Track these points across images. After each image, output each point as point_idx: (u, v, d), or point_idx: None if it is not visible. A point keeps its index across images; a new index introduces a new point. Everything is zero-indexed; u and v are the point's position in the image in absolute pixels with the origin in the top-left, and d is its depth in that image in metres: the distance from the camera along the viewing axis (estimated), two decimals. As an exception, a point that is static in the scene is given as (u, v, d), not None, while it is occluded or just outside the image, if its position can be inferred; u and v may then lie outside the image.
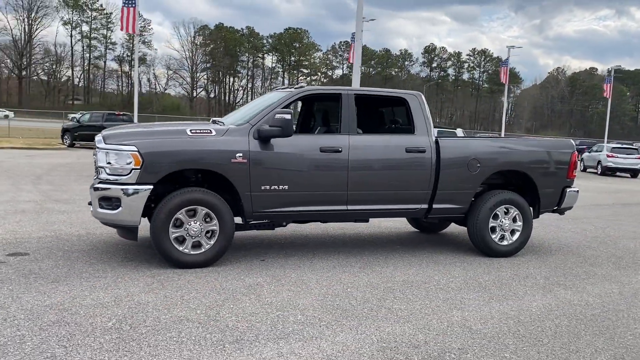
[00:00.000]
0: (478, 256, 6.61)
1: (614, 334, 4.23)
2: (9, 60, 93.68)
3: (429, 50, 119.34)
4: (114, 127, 5.99)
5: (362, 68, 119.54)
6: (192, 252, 5.43)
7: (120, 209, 5.25)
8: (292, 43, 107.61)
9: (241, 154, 5.50)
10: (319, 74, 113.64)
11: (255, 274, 5.33)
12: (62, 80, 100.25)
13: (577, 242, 7.97)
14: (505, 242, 6.61)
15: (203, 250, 5.47)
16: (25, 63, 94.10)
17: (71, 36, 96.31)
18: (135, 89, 30.23)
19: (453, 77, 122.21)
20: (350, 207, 6.01)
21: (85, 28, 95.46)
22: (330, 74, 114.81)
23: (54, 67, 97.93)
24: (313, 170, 5.81)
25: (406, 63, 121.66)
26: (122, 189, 5.23)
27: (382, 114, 7.15)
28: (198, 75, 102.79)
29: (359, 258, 6.23)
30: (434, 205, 6.33)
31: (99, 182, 5.35)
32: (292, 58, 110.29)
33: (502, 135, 42.85)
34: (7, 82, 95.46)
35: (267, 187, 5.64)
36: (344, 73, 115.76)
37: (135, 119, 25.94)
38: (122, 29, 28.11)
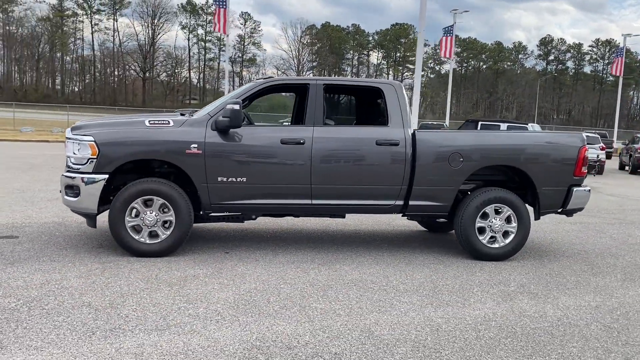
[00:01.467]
0: (467, 259, 6.08)
1: (533, 352, 3.68)
2: (135, 64, 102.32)
3: (546, 42, 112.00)
4: (88, 119, 6.26)
5: (473, 62, 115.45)
6: (148, 242, 5.54)
7: (80, 196, 5.48)
8: (398, 39, 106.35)
9: (196, 145, 5.50)
10: (426, 69, 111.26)
11: (202, 266, 5.32)
12: (181, 81, 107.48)
13: (593, 249, 7.05)
14: (496, 245, 6.01)
15: (159, 240, 5.56)
16: (148, 66, 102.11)
17: (188, 39, 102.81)
18: (226, 83, 31.50)
19: (573, 71, 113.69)
20: (315, 202, 5.79)
21: (200, 31, 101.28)
22: (437, 69, 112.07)
23: (174, 68, 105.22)
24: (273, 163, 5.68)
25: (520, 56, 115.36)
26: (81, 178, 5.46)
27: (355, 105, 6.81)
28: (304, 74, 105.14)
29: (327, 255, 5.99)
30: (411, 202, 5.92)
31: (66, 171, 5.63)
32: (398, 54, 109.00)
33: (614, 132, 39.21)
34: (133, 83, 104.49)
35: (224, 179, 5.59)
36: (454, 68, 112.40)
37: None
38: (213, 29, 29.56)
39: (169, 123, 5.60)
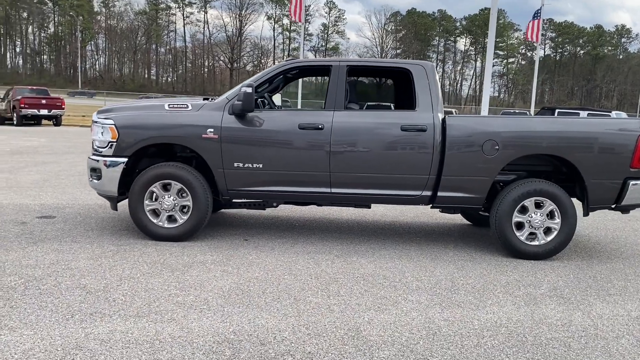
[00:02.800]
0: (503, 257, 5.56)
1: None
2: (224, 55, 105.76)
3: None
4: (116, 103, 6.33)
5: (568, 47, 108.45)
6: (166, 226, 5.52)
7: (102, 179, 5.56)
8: (487, 24, 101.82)
9: (212, 129, 5.39)
10: (517, 55, 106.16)
11: (213, 252, 5.22)
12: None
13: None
14: (535, 242, 5.44)
15: (177, 224, 5.52)
16: (235, 56, 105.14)
17: (274, 29, 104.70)
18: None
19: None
20: (334, 190, 5.51)
21: (285, 21, 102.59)
22: (530, 55, 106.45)
23: (259, 59, 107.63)
24: (290, 149, 5.45)
25: (623, 40, 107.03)
26: (103, 161, 5.52)
27: (380, 87, 6.39)
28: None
29: (347, 246, 5.69)
30: (440, 193, 5.47)
31: (92, 154, 5.72)
32: (486, 40, 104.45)
33: None
34: (222, 73, 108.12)
35: (240, 164, 5.45)
36: (545, 54, 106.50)
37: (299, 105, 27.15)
38: (290, 18, 29.60)
39: (187, 107, 5.53)
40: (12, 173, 9.79)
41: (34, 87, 27.11)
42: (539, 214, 5.40)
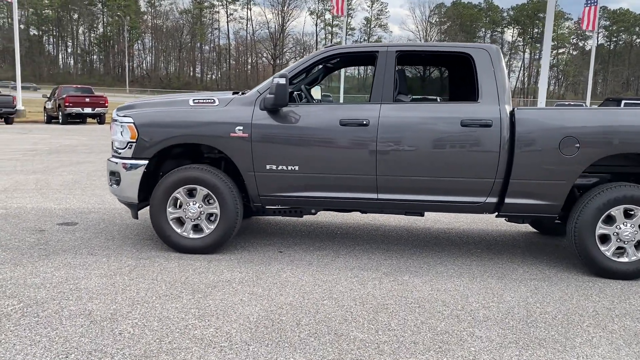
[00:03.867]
0: (584, 275, 4.68)
1: None
2: (267, 52, 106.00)
3: None
4: (139, 99, 5.73)
5: (624, 36, 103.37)
6: (191, 236, 4.90)
7: (121, 184, 4.98)
8: (536, 14, 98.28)
9: (241, 127, 4.72)
10: (568, 45, 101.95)
11: (243, 268, 4.55)
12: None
13: None
14: (625, 259, 4.53)
15: (203, 235, 4.89)
16: (278, 52, 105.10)
17: (316, 25, 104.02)
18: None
19: None
20: (382, 196, 4.75)
21: (327, 16, 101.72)
22: (581, 45, 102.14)
23: (302, 54, 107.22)
24: (330, 148, 4.72)
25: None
26: (122, 164, 4.94)
27: (437, 76, 5.55)
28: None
29: (398, 261, 4.92)
30: (507, 200, 4.63)
31: (112, 156, 5.15)
32: (535, 30, 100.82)
33: None
34: (264, 70, 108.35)
35: (274, 167, 4.76)
36: (599, 44, 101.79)
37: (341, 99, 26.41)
38: (333, 12, 28.99)
39: (214, 102, 4.87)
40: (45, 174, 9.44)
41: (79, 86, 27.35)
42: (629, 225, 4.49)
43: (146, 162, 4.86)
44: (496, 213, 4.83)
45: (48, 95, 26.54)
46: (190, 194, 4.89)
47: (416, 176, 4.66)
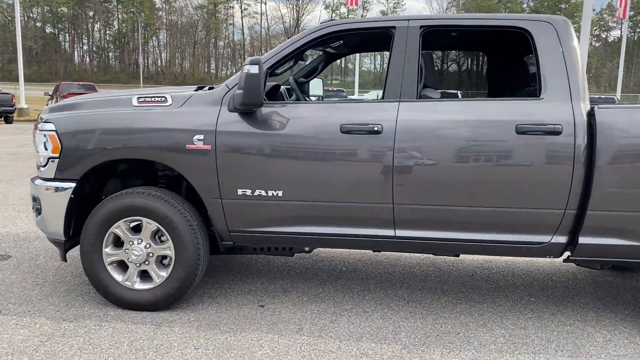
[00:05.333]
0: (691, 345, 3.23)
1: None
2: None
3: None
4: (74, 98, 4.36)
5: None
6: (137, 287, 3.56)
7: (42, 214, 3.65)
8: (557, 4, 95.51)
9: (201, 136, 3.35)
10: (590, 37, 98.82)
11: (202, 340, 3.18)
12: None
13: None
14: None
15: (152, 285, 3.54)
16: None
17: (331, 19, 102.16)
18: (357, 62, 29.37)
19: None
20: (401, 233, 3.34)
21: (343, 10, 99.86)
22: (604, 36, 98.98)
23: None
24: (327, 166, 3.32)
25: None
26: (43, 186, 3.61)
27: (479, 63, 4.10)
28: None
29: (424, 321, 3.51)
30: (582, 239, 3.19)
31: (35, 176, 3.83)
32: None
33: None
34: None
35: (249, 191, 3.38)
36: (621, 35, 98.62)
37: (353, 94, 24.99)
38: (347, 5, 27.88)
39: (164, 101, 3.50)
40: (9, 184, 8.22)
41: (81, 83, 26.30)
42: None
43: (73, 184, 3.52)
44: (566, 257, 3.40)
45: (50, 93, 25.49)
46: (135, 228, 3.54)
47: (449, 205, 3.25)
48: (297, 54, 3.56)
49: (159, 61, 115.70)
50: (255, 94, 3.11)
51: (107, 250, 3.54)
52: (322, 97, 5.35)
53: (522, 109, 3.19)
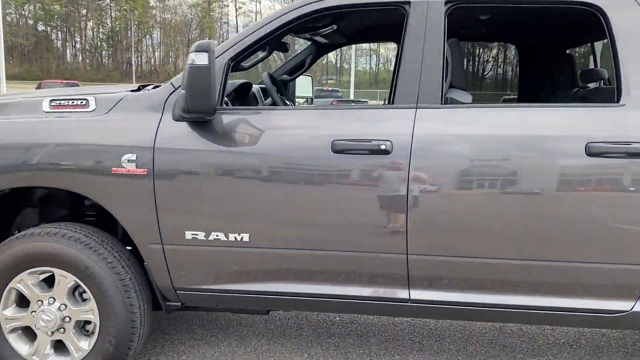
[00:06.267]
0: None
1: None
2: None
3: None
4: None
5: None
6: (49, 363, 2.55)
7: None
8: None
9: (133, 156, 2.35)
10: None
11: None
12: (320, 61, 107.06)
13: None
14: None
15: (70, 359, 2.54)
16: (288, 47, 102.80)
17: None
18: (352, 61, 28.44)
19: None
20: (417, 295, 2.36)
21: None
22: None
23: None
24: (312, 199, 2.33)
25: None
26: None
27: (527, 53, 3.12)
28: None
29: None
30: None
31: None
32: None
33: None
34: (275, 64, 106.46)
35: (201, 234, 2.39)
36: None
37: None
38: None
39: (85, 105, 2.50)
40: None
41: (64, 81, 25.32)
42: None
43: (-41, 221, 2.52)
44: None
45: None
46: (45, 282, 2.55)
47: (488, 257, 2.27)
48: (271, 41, 2.55)
49: (153, 60, 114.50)
50: (204, 95, 2.11)
51: (7, 312, 2.55)
52: (312, 98, 4.35)
53: (594, 121, 2.22)
